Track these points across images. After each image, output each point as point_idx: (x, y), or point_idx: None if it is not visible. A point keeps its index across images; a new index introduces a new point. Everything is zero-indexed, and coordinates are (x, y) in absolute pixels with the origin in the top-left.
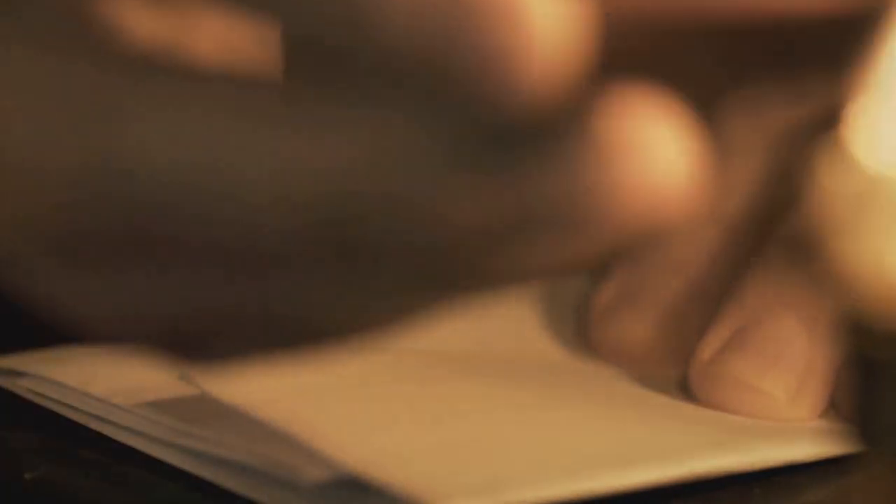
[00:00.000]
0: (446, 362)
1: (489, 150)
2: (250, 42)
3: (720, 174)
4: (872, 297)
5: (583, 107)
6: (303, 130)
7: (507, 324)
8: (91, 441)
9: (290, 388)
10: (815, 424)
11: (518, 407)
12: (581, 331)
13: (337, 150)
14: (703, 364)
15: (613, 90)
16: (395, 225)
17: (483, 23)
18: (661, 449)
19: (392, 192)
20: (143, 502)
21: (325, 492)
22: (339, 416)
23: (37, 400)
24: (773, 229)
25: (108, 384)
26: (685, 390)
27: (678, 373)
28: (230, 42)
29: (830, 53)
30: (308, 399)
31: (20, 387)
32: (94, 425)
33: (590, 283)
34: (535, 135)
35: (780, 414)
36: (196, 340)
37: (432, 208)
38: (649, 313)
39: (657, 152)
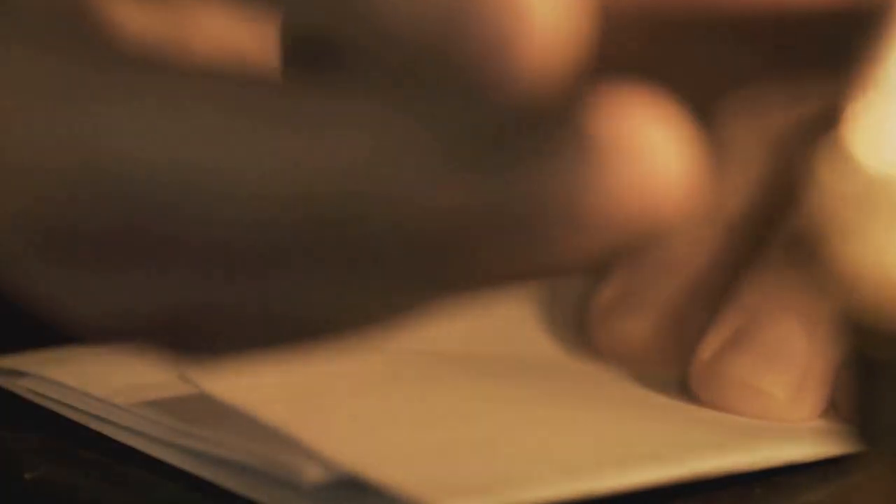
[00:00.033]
0: (446, 362)
1: (489, 149)
2: (249, 39)
3: (720, 174)
4: (873, 297)
5: (582, 106)
6: (302, 129)
7: (506, 324)
8: (91, 441)
9: (290, 388)
10: (815, 424)
11: (518, 407)
12: (581, 331)
13: (336, 149)
14: (703, 364)
15: (612, 90)
16: (395, 224)
17: (484, 10)
18: (661, 449)
19: (392, 192)
20: (143, 502)
21: (324, 492)
22: (339, 416)
23: (37, 400)
24: (773, 229)
25: (108, 384)
26: (685, 390)
27: (678, 373)
28: (228, 40)
29: (831, 53)
30: (308, 399)
31: (20, 387)
32: (94, 425)
33: (590, 283)
34: (534, 135)
35: (780, 414)
36: (196, 339)
37: (432, 208)
38: (649, 313)
39: (655, 152)
